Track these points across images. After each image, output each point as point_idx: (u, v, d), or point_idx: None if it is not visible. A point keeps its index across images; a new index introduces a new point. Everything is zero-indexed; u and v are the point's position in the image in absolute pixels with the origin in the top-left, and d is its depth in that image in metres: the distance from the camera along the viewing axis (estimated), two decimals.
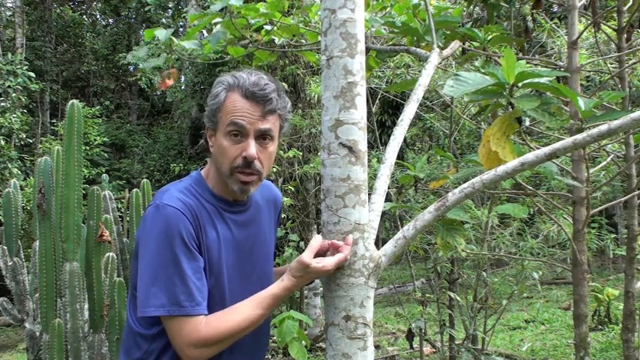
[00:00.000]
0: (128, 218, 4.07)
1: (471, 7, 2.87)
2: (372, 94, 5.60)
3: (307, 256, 1.27)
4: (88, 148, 12.00)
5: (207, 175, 1.44)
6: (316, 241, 1.29)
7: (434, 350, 4.55)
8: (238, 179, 1.35)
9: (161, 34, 2.16)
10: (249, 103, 1.33)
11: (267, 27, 2.32)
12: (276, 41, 2.41)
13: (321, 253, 1.29)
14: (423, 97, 1.66)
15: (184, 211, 1.30)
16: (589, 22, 2.76)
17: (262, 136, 1.35)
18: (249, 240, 1.46)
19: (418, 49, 2.00)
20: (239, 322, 1.28)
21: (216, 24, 2.24)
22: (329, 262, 1.25)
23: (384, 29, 2.33)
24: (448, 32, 2.25)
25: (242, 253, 1.44)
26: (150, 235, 1.30)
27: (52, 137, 12.36)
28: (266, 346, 1.58)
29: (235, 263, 1.42)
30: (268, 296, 1.31)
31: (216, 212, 1.39)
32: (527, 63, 2.45)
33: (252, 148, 1.33)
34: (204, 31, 2.29)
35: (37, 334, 3.35)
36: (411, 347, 3.83)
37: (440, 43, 2.10)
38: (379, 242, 3.33)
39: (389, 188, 1.52)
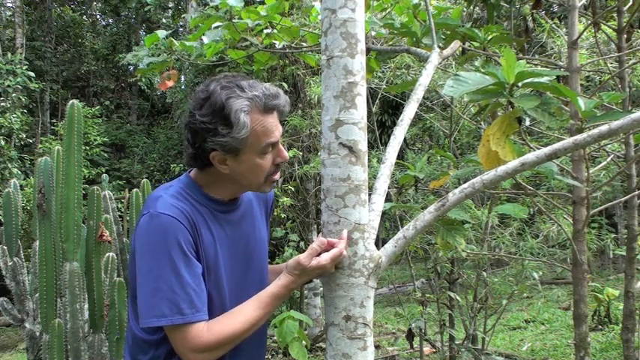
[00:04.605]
0: (128, 218, 4.07)
1: (471, 7, 2.87)
2: (372, 94, 5.60)
3: (305, 256, 1.28)
4: (88, 148, 12.01)
5: (198, 179, 1.42)
6: (318, 244, 1.29)
7: (434, 350, 4.55)
8: (271, 181, 1.42)
9: (161, 34, 2.18)
10: (272, 116, 1.35)
11: (267, 30, 2.33)
12: (277, 44, 2.41)
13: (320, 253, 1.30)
14: (423, 97, 1.66)
15: (180, 219, 1.30)
16: (589, 22, 2.76)
17: None
18: (244, 238, 1.47)
19: (418, 50, 2.00)
20: (241, 324, 1.29)
21: (217, 27, 2.24)
22: (324, 257, 1.26)
23: (383, 30, 2.33)
24: (448, 32, 2.25)
25: (237, 251, 1.44)
26: (146, 245, 1.29)
27: (52, 137, 12.36)
28: (265, 344, 1.59)
29: (232, 262, 1.42)
30: (268, 296, 1.32)
31: (210, 214, 1.39)
32: (527, 63, 2.45)
33: (285, 152, 1.41)
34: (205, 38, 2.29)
35: (37, 334, 3.35)
36: (411, 347, 3.83)
37: (440, 44, 2.11)
38: (379, 242, 3.33)
39: (389, 188, 1.52)
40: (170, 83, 2.42)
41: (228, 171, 1.36)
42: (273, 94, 1.34)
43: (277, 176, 1.43)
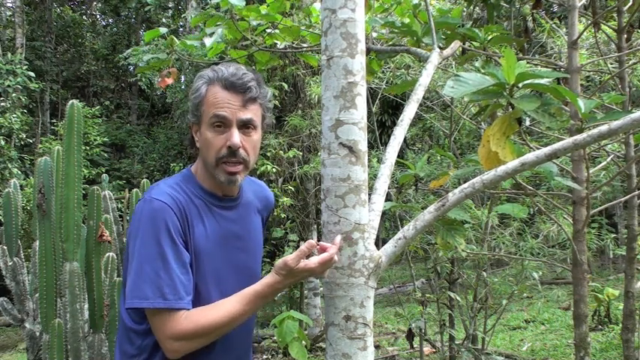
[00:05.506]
0: (128, 218, 4.07)
1: (471, 7, 2.87)
2: (372, 94, 5.60)
3: (292, 258, 1.26)
4: (88, 148, 12.00)
5: (196, 171, 1.46)
6: (307, 246, 1.28)
7: (434, 350, 4.55)
8: (225, 169, 1.37)
9: (162, 30, 2.20)
10: (230, 93, 1.36)
11: (269, 30, 2.33)
12: (278, 44, 2.41)
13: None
14: (423, 97, 1.67)
15: (171, 205, 1.32)
16: (589, 22, 2.76)
17: (245, 126, 1.37)
18: (239, 236, 1.47)
19: (418, 50, 2.00)
20: (219, 317, 1.28)
21: (217, 26, 2.25)
22: (314, 260, 1.25)
23: (383, 31, 2.33)
24: (448, 32, 2.25)
25: (230, 248, 1.44)
26: (138, 228, 1.32)
27: (52, 137, 12.36)
28: (250, 344, 1.58)
29: (223, 258, 1.42)
30: (251, 293, 1.31)
31: (205, 207, 1.40)
32: (528, 63, 2.45)
33: (235, 136, 1.35)
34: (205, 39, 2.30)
35: (37, 334, 3.35)
36: (411, 347, 3.83)
37: (440, 44, 2.11)
38: (379, 242, 3.33)
39: (389, 188, 1.52)
40: (169, 80, 2.43)
41: (199, 145, 1.41)
42: (238, 75, 1.36)
43: (234, 169, 1.37)
